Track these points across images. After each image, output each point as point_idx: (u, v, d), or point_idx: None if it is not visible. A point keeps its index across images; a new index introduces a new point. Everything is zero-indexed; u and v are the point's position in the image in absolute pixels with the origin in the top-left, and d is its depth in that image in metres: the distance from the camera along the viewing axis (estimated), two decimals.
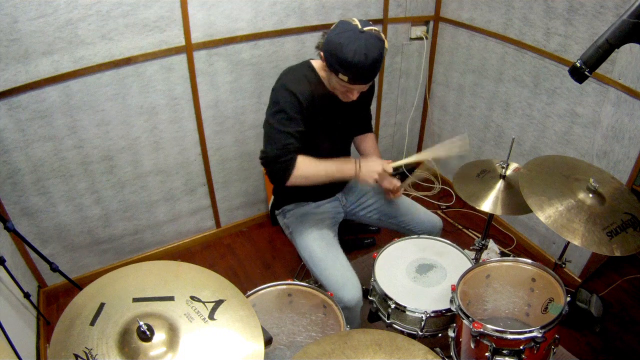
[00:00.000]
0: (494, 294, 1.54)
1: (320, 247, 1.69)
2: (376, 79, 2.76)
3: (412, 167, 3.21)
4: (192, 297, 1.06)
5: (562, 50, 2.11)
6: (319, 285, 1.62)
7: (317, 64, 1.63)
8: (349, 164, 1.59)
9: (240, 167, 2.60)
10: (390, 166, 1.61)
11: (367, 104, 1.85)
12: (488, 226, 1.81)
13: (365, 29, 1.39)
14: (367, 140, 1.90)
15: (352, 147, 1.93)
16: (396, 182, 1.79)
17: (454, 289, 1.38)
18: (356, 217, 1.93)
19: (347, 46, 1.36)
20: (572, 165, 1.59)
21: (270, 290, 1.50)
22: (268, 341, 1.12)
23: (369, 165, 1.59)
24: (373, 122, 2.92)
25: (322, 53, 1.47)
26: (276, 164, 1.52)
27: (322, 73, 1.60)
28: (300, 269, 2.38)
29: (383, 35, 1.43)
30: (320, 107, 1.59)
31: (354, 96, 1.53)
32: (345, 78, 1.41)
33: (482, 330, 1.24)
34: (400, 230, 1.87)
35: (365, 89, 1.55)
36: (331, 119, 1.66)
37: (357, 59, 1.35)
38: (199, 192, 2.54)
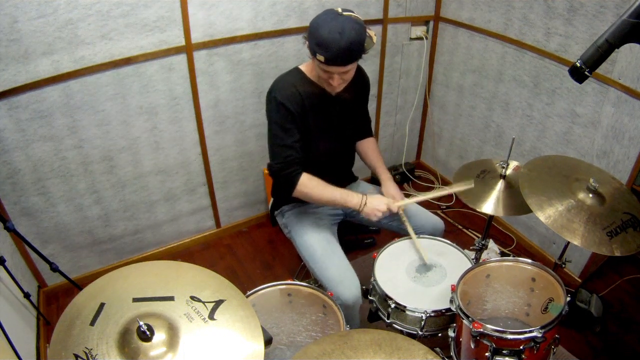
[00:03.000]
0: (494, 294, 1.54)
1: (319, 244, 1.70)
2: (376, 79, 2.80)
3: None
4: (192, 297, 1.06)
5: (562, 50, 2.11)
6: (319, 285, 1.62)
7: (305, 67, 1.65)
8: (355, 198, 1.62)
9: (240, 167, 2.60)
10: (396, 206, 1.65)
11: (362, 103, 1.85)
12: (488, 226, 1.81)
13: (344, 13, 1.44)
14: (369, 147, 1.91)
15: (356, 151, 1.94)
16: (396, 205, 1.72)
17: (453, 289, 1.38)
18: (356, 218, 1.92)
19: (323, 26, 1.41)
20: (572, 165, 1.59)
21: (270, 290, 1.50)
22: (268, 341, 1.12)
23: (375, 204, 1.62)
24: (373, 122, 2.95)
25: (307, 42, 1.51)
26: (279, 177, 1.60)
27: (312, 74, 1.62)
28: (300, 269, 2.38)
29: (363, 21, 1.46)
30: (313, 108, 1.60)
31: (335, 83, 1.52)
32: (322, 58, 1.43)
33: (482, 330, 1.24)
34: (401, 232, 1.87)
35: (346, 75, 1.52)
36: (325, 118, 1.66)
37: (331, 37, 1.39)
38: (199, 192, 2.54)
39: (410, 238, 1.74)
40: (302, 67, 1.66)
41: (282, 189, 1.66)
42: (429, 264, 1.64)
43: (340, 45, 1.39)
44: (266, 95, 1.62)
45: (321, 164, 1.68)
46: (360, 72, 1.80)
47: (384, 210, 1.62)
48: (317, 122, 1.63)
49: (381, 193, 1.80)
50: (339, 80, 1.52)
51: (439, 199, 3.04)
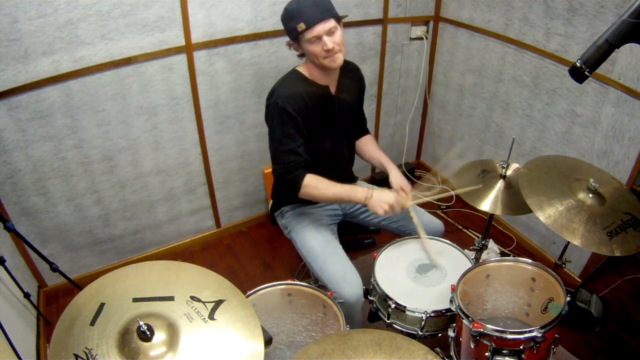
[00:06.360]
0: (494, 294, 1.54)
1: (318, 242, 1.70)
2: (376, 79, 2.79)
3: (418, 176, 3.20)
4: (192, 297, 1.06)
5: (562, 50, 2.11)
6: (319, 285, 1.62)
7: (303, 68, 1.66)
8: (360, 192, 1.60)
9: (240, 167, 2.60)
10: (404, 204, 1.61)
11: (360, 102, 1.86)
12: (488, 226, 1.81)
13: None
14: (368, 143, 1.92)
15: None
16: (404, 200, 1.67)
17: (453, 289, 1.38)
18: (356, 219, 1.93)
19: (290, 3, 1.50)
20: (572, 165, 1.59)
21: (270, 290, 1.50)
22: (268, 341, 1.12)
23: (381, 197, 1.58)
24: (373, 122, 2.95)
25: (291, 42, 1.57)
26: (283, 181, 1.61)
27: (310, 74, 1.63)
28: (300, 269, 2.38)
29: None
30: (315, 108, 1.60)
31: (330, 45, 1.49)
32: (303, 26, 1.46)
33: (482, 330, 1.24)
34: (401, 234, 1.87)
35: (335, 37, 1.50)
36: (327, 118, 1.67)
37: (299, 2, 1.47)
38: (199, 192, 2.54)
39: (415, 237, 1.75)
40: (300, 69, 1.66)
41: (287, 191, 1.66)
42: (429, 264, 1.64)
43: (309, 3, 1.46)
44: (266, 99, 1.61)
45: (323, 164, 1.68)
46: (357, 72, 1.82)
47: (391, 203, 1.56)
48: (319, 122, 1.64)
49: (388, 186, 1.76)
50: (331, 42, 1.49)
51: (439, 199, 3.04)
